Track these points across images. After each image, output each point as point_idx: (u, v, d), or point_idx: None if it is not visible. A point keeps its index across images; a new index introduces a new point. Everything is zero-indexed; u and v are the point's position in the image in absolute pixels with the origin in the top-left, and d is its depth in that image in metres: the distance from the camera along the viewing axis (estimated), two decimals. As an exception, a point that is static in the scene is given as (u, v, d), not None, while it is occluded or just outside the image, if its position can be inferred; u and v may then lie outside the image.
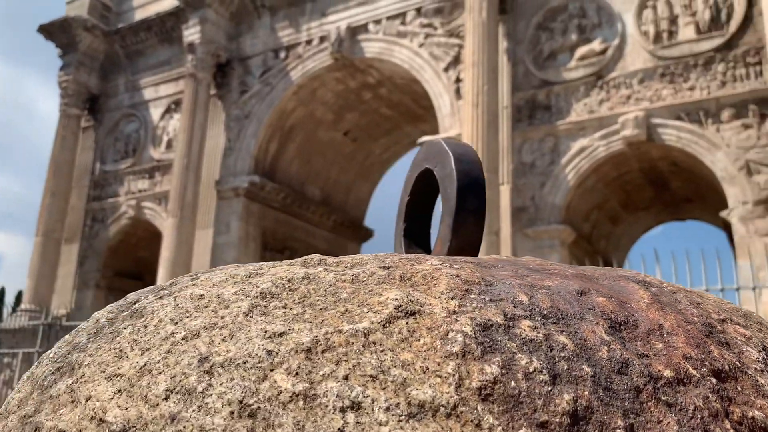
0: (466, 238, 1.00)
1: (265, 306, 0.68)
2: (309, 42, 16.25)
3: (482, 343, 0.61)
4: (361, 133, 19.11)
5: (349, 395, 0.56)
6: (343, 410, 0.55)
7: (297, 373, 0.58)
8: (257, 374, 0.59)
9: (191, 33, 16.94)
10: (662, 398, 0.59)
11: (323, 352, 0.60)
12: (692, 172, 12.86)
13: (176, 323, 0.68)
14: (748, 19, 11.42)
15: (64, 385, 0.67)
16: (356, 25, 15.51)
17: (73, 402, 0.65)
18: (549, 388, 0.57)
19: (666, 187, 14.74)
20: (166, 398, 0.60)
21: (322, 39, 15.95)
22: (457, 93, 13.60)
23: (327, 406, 0.56)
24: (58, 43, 19.37)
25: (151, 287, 0.84)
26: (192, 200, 15.90)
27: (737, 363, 0.66)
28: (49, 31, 19.21)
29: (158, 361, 0.63)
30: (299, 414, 0.56)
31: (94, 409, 0.62)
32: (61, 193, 18.25)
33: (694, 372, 0.63)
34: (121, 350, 0.68)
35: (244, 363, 0.60)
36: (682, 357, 0.64)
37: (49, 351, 0.80)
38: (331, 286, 0.70)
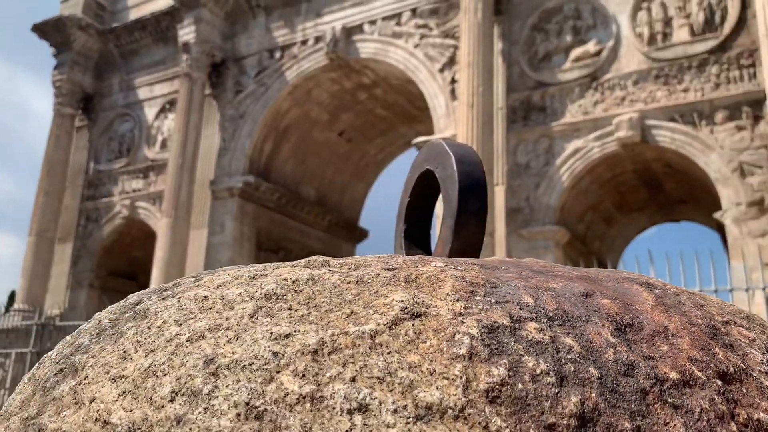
0: (468, 240, 1.00)
1: (270, 307, 0.67)
2: (304, 42, 16.24)
3: (489, 345, 0.61)
4: (356, 133, 19.11)
5: (357, 397, 0.56)
6: (350, 412, 0.55)
7: (304, 375, 0.58)
8: (264, 376, 0.59)
9: (186, 32, 16.90)
10: (669, 400, 0.60)
11: (330, 353, 0.60)
12: (686, 174, 12.91)
13: (180, 324, 0.68)
14: (742, 22, 11.47)
15: (67, 387, 0.67)
16: (351, 26, 15.51)
17: (76, 404, 0.64)
18: (556, 390, 0.57)
19: (660, 189, 14.79)
20: (172, 400, 0.59)
21: (318, 39, 15.94)
22: (452, 94, 13.62)
23: (334, 408, 0.56)
24: (52, 42, 19.30)
25: (154, 288, 0.84)
26: (186, 200, 15.86)
27: (742, 365, 0.67)
28: (43, 30, 19.15)
29: (163, 363, 0.63)
30: (306, 416, 0.55)
31: (98, 410, 0.62)
32: (55, 193, 18.19)
33: (700, 374, 0.63)
34: (125, 351, 0.67)
35: (250, 365, 0.60)
36: (687, 359, 0.64)
37: (50, 352, 0.79)
38: (336, 287, 0.70)
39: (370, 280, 0.71)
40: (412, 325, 0.63)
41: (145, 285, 16.78)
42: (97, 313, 0.83)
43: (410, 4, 14.77)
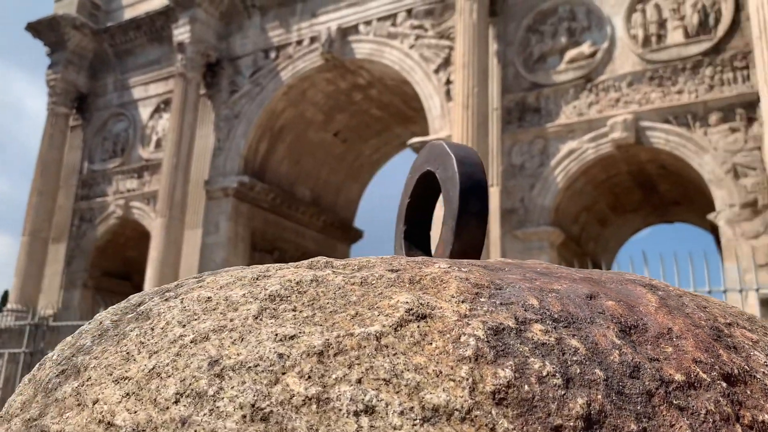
0: (469, 241, 1.00)
1: (274, 308, 0.67)
2: (299, 42, 16.22)
3: (495, 347, 0.61)
4: (351, 134, 19.10)
5: (363, 399, 0.56)
6: (356, 414, 0.55)
7: (309, 377, 0.58)
8: (269, 377, 0.58)
9: (181, 32, 16.87)
10: (674, 402, 0.60)
11: (335, 355, 0.60)
12: (680, 175, 12.95)
13: (184, 326, 0.67)
14: (736, 24, 11.52)
15: (69, 388, 0.66)
16: (347, 26, 15.51)
17: (79, 405, 0.64)
18: (562, 392, 0.57)
19: (654, 190, 14.84)
20: (176, 402, 0.59)
21: (313, 39, 15.93)
22: (448, 95, 13.63)
23: (340, 410, 0.55)
24: (46, 41, 19.23)
25: (155, 289, 0.84)
26: (181, 200, 15.83)
27: (746, 367, 0.67)
28: (37, 29, 19.08)
29: (167, 364, 0.63)
30: (312, 418, 0.55)
31: (102, 412, 0.61)
32: (49, 193, 18.12)
33: (705, 376, 0.63)
34: (128, 353, 0.67)
35: (256, 366, 0.60)
36: (692, 361, 0.64)
37: (50, 353, 0.79)
38: (340, 288, 0.70)
39: (374, 282, 0.71)
40: (418, 326, 0.63)
41: (139, 285, 16.74)
42: (97, 314, 0.82)
43: (406, 4, 14.78)
